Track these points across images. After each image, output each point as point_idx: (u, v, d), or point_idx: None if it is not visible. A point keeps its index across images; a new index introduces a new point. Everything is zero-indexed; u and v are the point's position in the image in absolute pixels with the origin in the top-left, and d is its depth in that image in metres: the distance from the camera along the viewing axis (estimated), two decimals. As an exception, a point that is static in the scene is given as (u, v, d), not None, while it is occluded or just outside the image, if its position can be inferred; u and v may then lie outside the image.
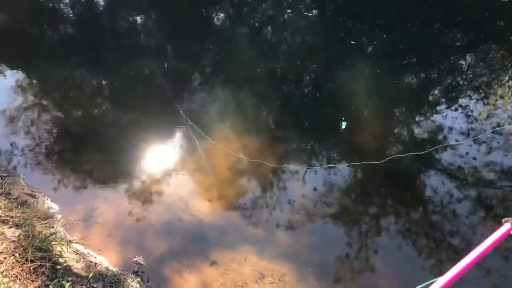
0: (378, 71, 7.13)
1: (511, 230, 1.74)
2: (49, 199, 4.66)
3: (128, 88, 6.97)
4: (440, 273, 1.66)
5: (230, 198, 4.85)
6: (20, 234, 3.51)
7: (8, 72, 7.24)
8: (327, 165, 5.27)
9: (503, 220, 1.75)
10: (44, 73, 7.29)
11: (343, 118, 5.76)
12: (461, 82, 7.23)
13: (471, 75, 7.41)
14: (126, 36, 8.86)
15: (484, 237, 1.77)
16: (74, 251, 3.91)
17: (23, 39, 8.34)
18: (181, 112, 6.06)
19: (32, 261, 3.25)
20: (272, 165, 5.18)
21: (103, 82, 7.26)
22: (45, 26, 8.88)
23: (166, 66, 7.49)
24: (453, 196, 4.86)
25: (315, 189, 4.96)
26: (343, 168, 5.27)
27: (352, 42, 8.05)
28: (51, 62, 7.47)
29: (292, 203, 4.79)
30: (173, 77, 7.05)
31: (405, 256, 4.23)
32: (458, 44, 8.41)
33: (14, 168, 5.11)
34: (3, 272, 2.99)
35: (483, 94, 6.70)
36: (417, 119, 6.22)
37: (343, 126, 5.67)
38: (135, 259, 3.94)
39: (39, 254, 3.36)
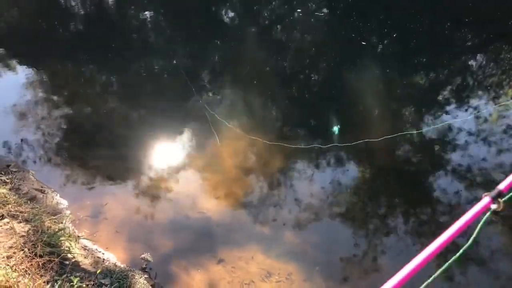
0: (388, 70, 7.11)
1: (490, 204, 1.74)
2: (58, 194, 4.69)
3: (138, 85, 7.00)
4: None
5: (240, 190, 4.86)
6: (29, 229, 3.53)
7: (19, 68, 7.30)
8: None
9: (483, 195, 1.75)
10: (55, 69, 7.35)
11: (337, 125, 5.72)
12: (471, 83, 7.18)
13: (481, 76, 7.35)
14: (136, 32, 8.90)
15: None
16: (82, 247, 3.94)
17: (34, 35, 8.41)
18: (200, 101, 6.21)
19: (41, 256, 3.27)
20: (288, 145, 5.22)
21: (113, 78, 7.31)
22: (56, 22, 8.93)
23: (174, 63, 7.51)
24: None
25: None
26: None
27: (363, 43, 8.02)
28: (62, 58, 7.52)
29: (301, 201, 4.79)
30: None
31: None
32: (469, 44, 8.34)
33: (24, 163, 5.15)
34: (12, 266, 3.01)
35: (493, 94, 6.64)
36: (425, 121, 6.19)
37: (336, 131, 5.65)
38: (142, 255, 3.95)
39: (48, 249, 3.38)
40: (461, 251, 1.64)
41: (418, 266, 1.48)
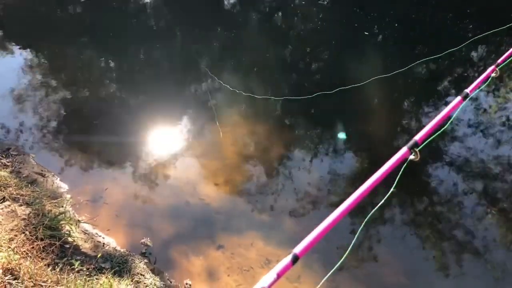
0: (390, 59, 7.11)
1: (407, 154, 1.82)
2: (58, 178, 4.69)
3: (138, 69, 6.98)
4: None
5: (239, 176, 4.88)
6: (30, 212, 3.55)
7: (17, 51, 7.26)
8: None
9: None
10: (54, 53, 7.30)
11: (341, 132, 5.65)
12: (471, 74, 7.18)
13: (482, 67, 7.34)
14: (135, 16, 8.83)
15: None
16: (82, 231, 3.96)
17: (33, 18, 8.34)
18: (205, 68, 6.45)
19: (42, 239, 3.29)
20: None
21: (113, 63, 7.27)
22: (54, 5, 8.85)
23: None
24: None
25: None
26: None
27: (366, 33, 7.99)
28: (61, 41, 7.47)
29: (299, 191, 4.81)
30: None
31: (409, 246, 4.26)
32: (470, 35, 8.31)
33: (24, 146, 5.14)
34: (14, 249, 3.03)
35: (493, 87, 6.65)
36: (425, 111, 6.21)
37: (342, 136, 5.54)
38: (142, 240, 3.97)
39: (48, 233, 3.40)
40: (384, 199, 1.84)
41: (341, 214, 1.58)
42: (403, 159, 1.82)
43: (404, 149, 1.83)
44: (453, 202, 4.72)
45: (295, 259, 1.44)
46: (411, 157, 1.82)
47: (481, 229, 4.37)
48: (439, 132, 2.00)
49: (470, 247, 4.20)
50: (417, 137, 1.88)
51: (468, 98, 2.28)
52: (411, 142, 1.85)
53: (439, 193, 4.81)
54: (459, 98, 2.23)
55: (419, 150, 1.82)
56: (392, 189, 1.80)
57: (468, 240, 4.29)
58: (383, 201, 1.81)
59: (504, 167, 5.10)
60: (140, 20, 8.74)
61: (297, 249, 1.46)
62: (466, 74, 7.17)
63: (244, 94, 5.82)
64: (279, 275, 1.37)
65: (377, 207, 1.77)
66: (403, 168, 1.83)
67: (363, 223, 1.75)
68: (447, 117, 2.09)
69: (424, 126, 1.93)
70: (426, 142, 1.90)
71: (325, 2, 9.42)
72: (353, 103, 5.94)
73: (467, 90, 2.29)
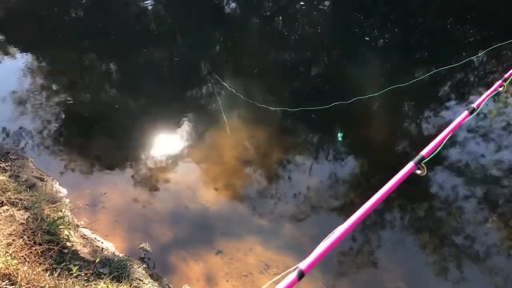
0: (388, 65, 7.10)
1: (414, 169, 1.81)
2: (57, 182, 4.69)
3: (138, 73, 6.98)
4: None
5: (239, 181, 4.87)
6: (28, 216, 3.54)
7: (18, 55, 7.26)
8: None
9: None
10: (54, 56, 7.31)
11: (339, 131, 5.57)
12: (472, 79, 7.17)
13: (482, 72, 7.34)
14: (136, 21, 8.84)
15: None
16: (81, 236, 3.95)
17: (34, 22, 8.35)
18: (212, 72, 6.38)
19: (40, 244, 3.27)
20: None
21: (113, 66, 7.27)
22: (56, 8, 8.86)
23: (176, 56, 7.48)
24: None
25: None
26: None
27: (366, 38, 7.99)
28: (61, 45, 7.48)
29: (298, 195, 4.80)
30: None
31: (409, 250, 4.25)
32: (471, 39, 8.32)
33: (23, 151, 5.14)
34: (12, 254, 3.01)
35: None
36: (424, 115, 6.19)
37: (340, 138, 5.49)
38: (141, 245, 3.97)
39: (47, 237, 3.39)
40: None
41: (347, 230, 1.54)
42: (410, 174, 1.80)
43: (410, 164, 1.81)
44: (454, 206, 4.71)
45: (301, 275, 1.39)
46: (418, 172, 1.81)
47: (482, 234, 4.36)
48: (441, 146, 1.96)
49: (472, 252, 4.20)
50: (424, 152, 1.86)
51: (475, 113, 2.24)
52: (418, 157, 1.83)
53: (439, 198, 4.80)
54: (466, 112, 2.19)
55: (425, 164, 1.81)
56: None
57: (468, 245, 4.28)
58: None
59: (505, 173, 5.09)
60: (140, 23, 8.75)
61: (303, 265, 1.41)
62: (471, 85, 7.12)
63: (258, 105, 5.79)
64: None
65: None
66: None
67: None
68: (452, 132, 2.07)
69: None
70: (431, 156, 1.88)
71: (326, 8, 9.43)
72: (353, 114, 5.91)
73: (474, 105, 2.25)
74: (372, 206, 1.63)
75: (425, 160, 1.83)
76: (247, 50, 7.76)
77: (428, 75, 6.20)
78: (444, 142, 1.98)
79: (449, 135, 2.03)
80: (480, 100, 2.35)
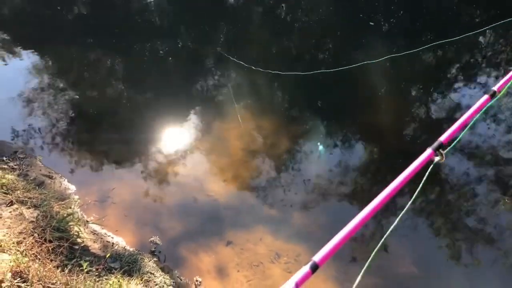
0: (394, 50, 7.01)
1: (432, 155, 1.71)
2: (65, 180, 4.70)
3: (143, 68, 6.96)
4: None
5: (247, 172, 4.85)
6: (38, 214, 3.55)
7: (24, 54, 7.26)
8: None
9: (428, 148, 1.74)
10: (60, 54, 7.30)
11: (318, 143, 5.40)
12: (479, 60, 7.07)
13: (490, 53, 7.23)
14: (140, 16, 8.81)
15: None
16: (91, 232, 3.96)
17: (38, 20, 8.35)
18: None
19: (50, 241, 3.29)
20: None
21: (118, 62, 7.26)
22: (59, 6, 8.85)
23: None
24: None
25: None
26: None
27: (371, 23, 7.90)
28: (67, 43, 7.47)
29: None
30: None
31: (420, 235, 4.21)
32: (477, 20, 8.19)
33: (31, 149, 5.15)
34: (23, 252, 3.03)
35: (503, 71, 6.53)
36: (434, 98, 6.11)
37: (321, 150, 5.30)
38: (151, 239, 3.97)
39: (57, 234, 3.40)
40: (412, 199, 1.69)
41: (362, 220, 1.49)
42: (428, 161, 1.70)
43: (428, 151, 1.72)
44: (466, 189, 4.67)
45: (315, 267, 1.34)
46: (436, 158, 1.70)
47: (494, 216, 4.33)
48: (464, 131, 1.85)
49: (484, 234, 4.15)
50: (442, 137, 1.76)
51: (496, 98, 2.10)
52: (436, 144, 1.73)
53: (451, 180, 4.76)
54: (486, 96, 2.06)
55: (444, 152, 1.71)
56: (416, 194, 1.70)
57: (481, 227, 4.24)
58: (409, 204, 1.69)
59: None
60: (145, 19, 8.72)
61: (317, 257, 1.36)
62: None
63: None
64: (297, 285, 1.27)
65: (404, 210, 1.66)
66: (428, 171, 1.69)
67: (389, 229, 1.62)
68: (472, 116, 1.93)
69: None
70: (454, 143, 1.78)
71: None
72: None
73: (495, 88, 2.11)
74: (389, 195, 1.55)
75: (447, 150, 1.73)
76: (253, 33, 7.72)
77: (427, 46, 6.12)
78: (467, 128, 1.88)
79: (471, 121, 1.90)
80: (501, 83, 2.21)
